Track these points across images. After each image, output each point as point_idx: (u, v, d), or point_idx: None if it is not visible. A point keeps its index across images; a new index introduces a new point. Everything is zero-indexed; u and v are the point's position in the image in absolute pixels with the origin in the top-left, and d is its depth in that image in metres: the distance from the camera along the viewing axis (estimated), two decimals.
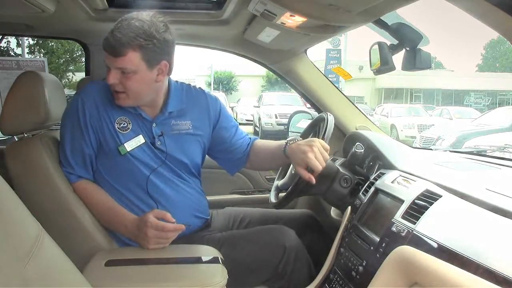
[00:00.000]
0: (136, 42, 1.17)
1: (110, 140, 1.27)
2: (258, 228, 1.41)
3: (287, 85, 2.12)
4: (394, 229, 1.01)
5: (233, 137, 1.48)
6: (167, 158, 1.32)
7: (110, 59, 1.20)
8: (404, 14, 1.30)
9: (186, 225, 1.24)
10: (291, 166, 1.51)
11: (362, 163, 1.54)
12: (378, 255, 1.02)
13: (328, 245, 1.32)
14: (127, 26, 1.18)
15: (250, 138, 1.53)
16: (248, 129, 14.30)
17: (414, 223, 0.96)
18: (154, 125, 1.31)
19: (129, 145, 1.27)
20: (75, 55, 13.09)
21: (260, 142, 1.51)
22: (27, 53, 11.50)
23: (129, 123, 1.29)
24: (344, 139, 1.80)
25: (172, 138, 1.34)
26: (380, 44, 1.28)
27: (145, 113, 1.31)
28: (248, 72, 24.61)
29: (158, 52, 1.21)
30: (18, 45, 11.05)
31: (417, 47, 1.23)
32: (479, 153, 1.71)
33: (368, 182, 1.34)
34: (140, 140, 1.29)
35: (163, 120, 1.33)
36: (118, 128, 1.27)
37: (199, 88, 1.47)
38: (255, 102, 15.04)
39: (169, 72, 1.28)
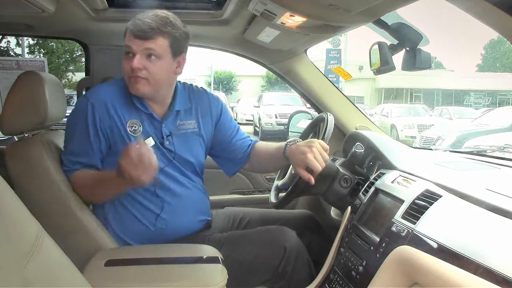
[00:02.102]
0: (165, 29, 1.22)
1: (121, 143, 1.26)
2: (258, 228, 1.41)
3: (287, 85, 2.12)
4: (394, 229, 1.01)
5: (234, 136, 1.48)
6: (175, 157, 1.33)
7: (137, 42, 1.21)
8: (404, 14, 1.30)
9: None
10: (291, 166, 1.51)
11: (362, 163, 1.54)
12: (378, 255, 1.02)
13: (327, 245, 1.32)
14: (155, 16, 1.22)
15: (251, 140, 1.53)
16: (248, 129, 14.28)
17: (414, 223, 0.96)
18: (163, 125, 1.32)
19: None
20: (75, 55, 13.12)
21: (261, 145, 1.52)
22: (27, 53, 11.51)
23: (140, 126, 1.29)
24: (344, 139, 1.80)
25: (179, 138, 1.34)
26: (380, 44, 1.28)
27: (155, 113, 1.31)
28: (248, 72, 24.60)
29: (181, 44, 1.27)
30: (18, 45, 11.06)
31: (417, 47, 1.23)
32: (479, 153, 1.71)
33: (368, 182, 1.34)
34: (150, 142, 1.29)
35: (171, 120, 1.34)
36: (130, 131, 1.27)
37: (201, 88, 1.48)
38: (255, 102, 15.03)
39: (181, 70, 1.32)
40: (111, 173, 1.20)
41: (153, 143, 1.29)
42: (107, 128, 1.26)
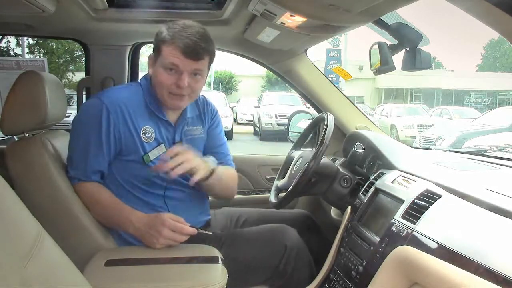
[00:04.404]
0: (210, 47, 1.25)
1: (134, 149, 1.26)
2: (259, 227, 1.41)
3: (287, 85, 2.12)
4: (394, 229, 1.01)
5: (214, 149, 1.45)
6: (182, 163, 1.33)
7: (188, 62, 1.21)
8: (404, 14, 1.30)
9: (197, 228, 1.24)
10: (291, 166, 1.52)
11: (362, 163, 1.54)
12: (378, 255, 1.02)
13: (325, 245, 1.32)
14: (197, 33, 1.22)
15: (227, 163, 1.48)
16: (248, 129, 14.29)
17: (414, 223, 0.96)
18: (176, 131, 1.33)
19: (153, 154, 1.28)
20: (75, 55, 13.12)
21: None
22: (27, 53, 11.51)
23: (153, 132, 1.29)
24: (344, 139, 1.80)
25: (187, 144, 1.35)
26: (380, 44, 1.28)
27: (170, 120, 1.32)
28: (248, 72, 24.58)
29: (214, 57, 1.30)
30: (18, 45, 11.07)
31: (417, 47, 1.23)
32: (479, 153, 1.71)
33: (368, 182, 1.34)
34: (162, 149, 1.29)
35: (182, 126, 1.35)
36: (144, 137, 1.27)
37: (202, 95, 1.46)
38: (255, 102, 15.01)
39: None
40: (136, 212, 1.24)
41: (165, 149, 1.29)
42: (120, 134, 1.25)
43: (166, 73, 1.23)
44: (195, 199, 1.38)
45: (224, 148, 1.49)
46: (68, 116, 1.60)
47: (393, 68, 1.28)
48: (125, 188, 1.29)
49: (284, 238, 1.31)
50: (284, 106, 12.30)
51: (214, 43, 1.28)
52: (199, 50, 1.21)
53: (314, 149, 1.39)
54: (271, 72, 2.11)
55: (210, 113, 1.46)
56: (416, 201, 1.03)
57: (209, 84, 24.85)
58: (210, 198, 1.50)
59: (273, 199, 1.50)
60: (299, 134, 1.73)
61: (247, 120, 15.59)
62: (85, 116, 1.29)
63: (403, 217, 1.02)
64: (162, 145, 1.30)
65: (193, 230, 1.22)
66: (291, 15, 1.28)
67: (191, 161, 1.22)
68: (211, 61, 1.28)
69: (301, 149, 1.63)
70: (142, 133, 1.27)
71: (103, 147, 1.24)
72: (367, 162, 1.55)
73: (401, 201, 1.08)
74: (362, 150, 1.43)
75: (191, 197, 1.36)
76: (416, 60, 1.23)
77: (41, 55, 12.28)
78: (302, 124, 1.91)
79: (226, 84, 27.70)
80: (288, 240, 1.30)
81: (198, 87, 1.28)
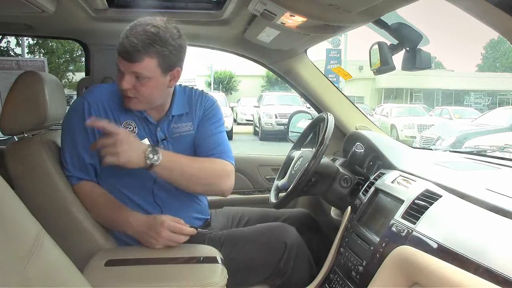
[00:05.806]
0: (153, 49, 1.15)
1: None
2: (258, 226, 1.41)
3: (287, 85, 2.13)
4: (394, 229, 1.01)
5: (204, 140, 1.35)
6: None
7: (124, 64, 1.17)
8: (404, 14, 1.30)
9: (196, 228, 1.24)
10: (291, 166, 1.52)
11: (362, 163, 1.54)
12: (378, 255, 1.02)
13: (325, 244, 1.32)
14: (143, 32, 1.14)
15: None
16: (248, 129, 14.30)
17: (414, 223, 0.96)
18: (158, 129, 1.31)
19: None
20: (75, 55, 13.14)
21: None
22: (27, 53, 11.51)
23: (135, 127, 1.28)
24: (344, 139, 1.80)
25: (173, 142, 1.33)
26: (380, 44, 1.28)
27: (150, 117, 1.30)
28: (248, 72, 24.57)
29: (173, 59, 1.19)
30: (18, 45, 11.07)
31: (417, 47, 1.23)
32: (479, 153, 1.71)
33: (368, 182, 1.34)
34: (146, 142, 1.27)
35: (166, 124, 1.32)
36: None
37: (201, 91, 1.44)
38: (255, 102, 15.02)
39: (176, 81, 1.28)
40: (135, 213, 1.22)
41: (148, 144, 1.27)
42: None
43: (118, 75, 1.22)
44: (190, 198, 1.36)
45: (215, 138, 1.36)
46: None
47: (393, 68, 1.28)
48: (118, 189, 1.28)
49: (283, 236, 1.31)
50: (284, 106, 12.32)
51: (167, 43, 1.16)
52: (133, 52, 1.13)
53: (314, 149, 1.39)
54: (271, 72, 2.11)
55: (203, 106, 1.38)
56: (416, 201, 1.03)
57: (209, 84, 24.88)
58: (209, 197, 1.50)
59: (273, 199, 1.50)
60: (299, 134, 1.73)
61: (247, 120, 15.59)
62: (70, 115, 1.30)
63: (403, 217, 1.02)
64: (146, 139, 1.27)
65: (192, 230, 1.22)
66: (291, 15, 1.28)
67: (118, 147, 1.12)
68: (161, 64, 1.17)
69: (301, 149, 1.63)
70: (124, 127, 1.26)
71: (90, 141, 1.24)
72: (367, 162, 1.55)
73: (401, 201, 1.08)
74: (362, 150, 1.43)
75: (185, 197, 1.33)
76: (416, 60, 1.23)
77: (41, 55, 12.28)
78: (302, 124, 1.91)
79: (226, 84, 27.69)
80: (288, 238, 1.30)
81: (146, 91, 1.19)
